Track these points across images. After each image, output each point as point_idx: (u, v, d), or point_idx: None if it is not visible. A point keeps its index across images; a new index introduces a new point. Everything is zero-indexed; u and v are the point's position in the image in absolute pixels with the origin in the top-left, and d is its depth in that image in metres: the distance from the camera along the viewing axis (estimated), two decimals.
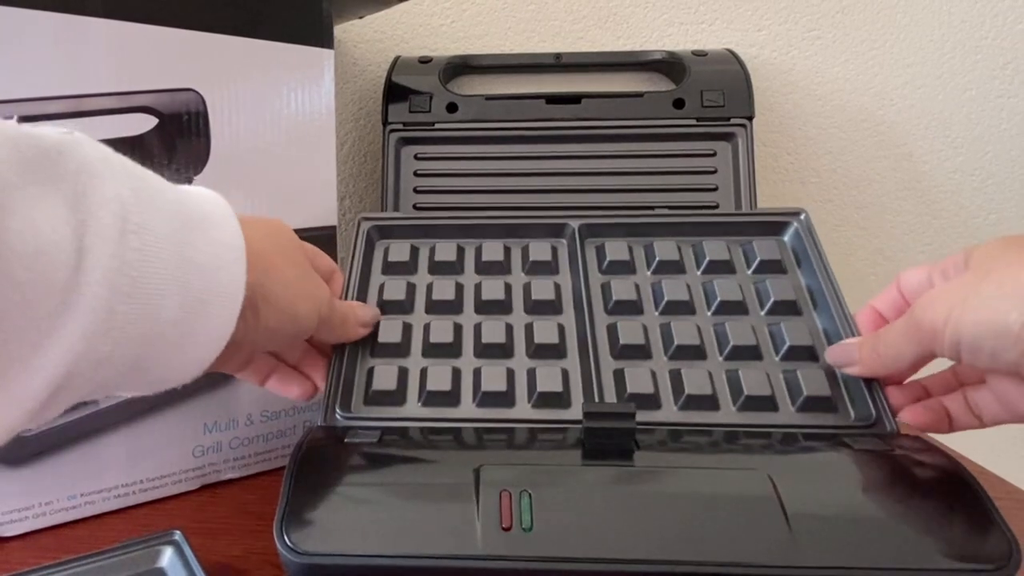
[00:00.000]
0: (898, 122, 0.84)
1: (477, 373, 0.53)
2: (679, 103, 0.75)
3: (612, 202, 0.75)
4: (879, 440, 0.46)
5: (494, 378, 0.52)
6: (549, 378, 0.51)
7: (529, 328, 0.55)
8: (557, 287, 0.58)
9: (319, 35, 0.59)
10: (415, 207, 0.75)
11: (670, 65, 0.79)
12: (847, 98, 0.84)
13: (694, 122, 0.75)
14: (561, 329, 0.55)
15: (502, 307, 0.58)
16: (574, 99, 0.76)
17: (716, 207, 0.74)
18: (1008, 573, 0.38)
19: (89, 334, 0.30)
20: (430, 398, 0.51)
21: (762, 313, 0.56)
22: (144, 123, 0.52)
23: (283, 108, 0.58)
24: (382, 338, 0.54)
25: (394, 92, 0.77)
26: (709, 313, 0.56)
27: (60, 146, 0.30)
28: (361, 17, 0.76)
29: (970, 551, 0.38)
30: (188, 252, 0.35)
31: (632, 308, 0.57)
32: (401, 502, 0.41)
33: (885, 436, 0.47)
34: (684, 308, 0.57)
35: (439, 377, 0.52)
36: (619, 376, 0.52)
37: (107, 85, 0.50)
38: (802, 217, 0.61)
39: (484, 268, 0.61)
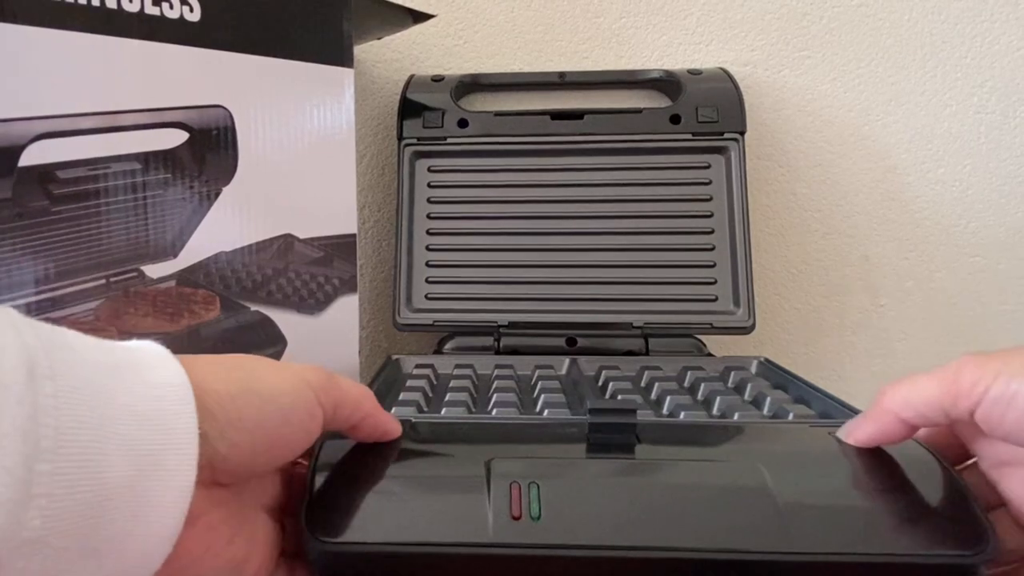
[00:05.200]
0: (883, 136, 0.84)
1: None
2: (675, 119, 0.76)
3: (613, 212, 0.75)
4: None
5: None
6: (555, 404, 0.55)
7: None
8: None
9: (340, 55, 0.59)
10: (428, 217, 0.76)
11: (667, 83, 0.79)
12: (835, 114, 0.84)
13: (689, 137, 0.75)
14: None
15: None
16: (577, 115, 0.76)
17: (711, 216, 0.74)
18: (985, 559, 0.38)
19: (5, 500, 0.23)
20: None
21: (747, 397, 0.58)
22: (175, 138, 0.53)
23: (306, 123, 0.58)
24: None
25: (409, 109, 0.77)
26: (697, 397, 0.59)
27: None
28: (379, 38, 0.76)
29: (950, 539, 0.38)
30: (123, 400, 0.27)
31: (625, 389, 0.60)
32: (417, 493, 0.41)
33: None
34: (673, 389, 0.59)
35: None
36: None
37: (140, 102, 0.51)
38: (762, 359, 0.67)
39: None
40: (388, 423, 0.43)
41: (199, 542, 0.31)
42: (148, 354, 0.30)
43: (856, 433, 0.43)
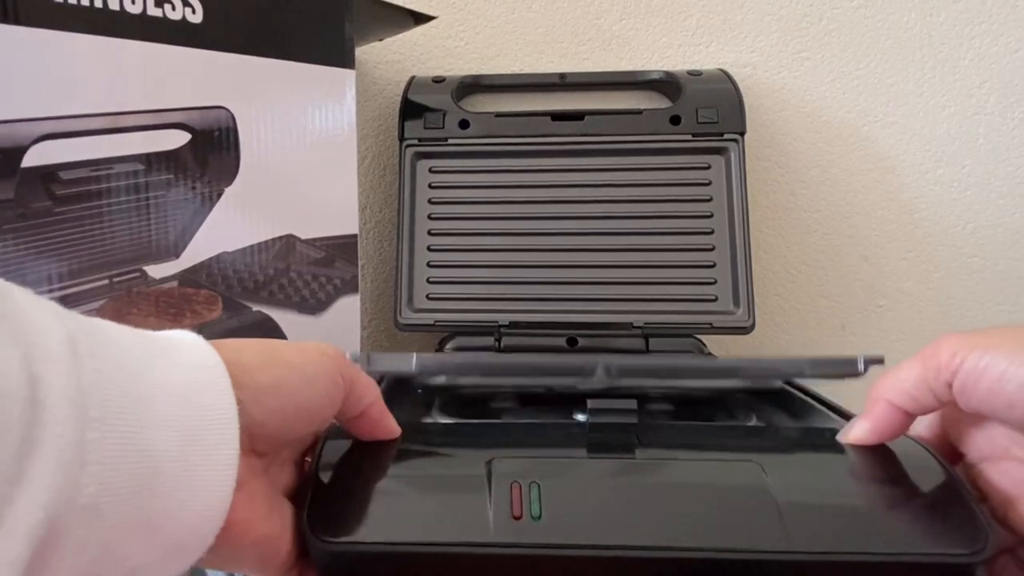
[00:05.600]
0: (882, 137, 0.84)
1: None
2: (675, 120, 0.75)
3: (613, 212, 0.75)
4: None
5: None
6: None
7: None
8: None
9: (342, 57, 0.59)
10: (429, 217, 0.75)
11: (667, 84, 0.79)
12: (834, 115, 0.84)
13: (690, 137, 0.75)
14: None
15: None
16: (578, 116, 0.76)
17: (711, 217, 0.74)
18: (983, 558, 0.38)
19: (62, 465, 0.24)
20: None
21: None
22: (178, 139, 0.53)
23: (308, 124, 0.58)
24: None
25: (410, 110, 0.77)
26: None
27: None
28: (381, 39, 0.76)
29: (949, 538, 0.39)
30: (160, 379, 0.29)
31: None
32: (418, 493, 0.41)
33: None
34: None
35: None
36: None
37: (143, 103, 0.51)
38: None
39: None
40: (390, 420, 0.44)
41: (246, 509, 0.32)
42: (180, 339, 0.32)
43: (853, 431, 0.43)
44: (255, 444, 0.33)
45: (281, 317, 0.61)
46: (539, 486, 0.40)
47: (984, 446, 0.41)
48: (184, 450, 0.28)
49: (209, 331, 0.56)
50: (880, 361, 0.46)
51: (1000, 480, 0.40)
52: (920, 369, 0.39)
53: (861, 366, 0.46)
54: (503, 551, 0.38)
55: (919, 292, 0.86)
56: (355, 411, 0.41)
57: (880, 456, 0.44)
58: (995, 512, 0.40)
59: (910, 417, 0.42)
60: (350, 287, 0.66)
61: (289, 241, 0.60)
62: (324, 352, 0.37)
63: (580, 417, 0.53)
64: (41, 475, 0.23)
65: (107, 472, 0.25)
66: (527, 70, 0.83)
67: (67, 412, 0.24)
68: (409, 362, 0.46)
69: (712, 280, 0.74)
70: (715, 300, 0.74)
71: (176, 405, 0.28)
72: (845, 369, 0.47)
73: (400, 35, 0.76)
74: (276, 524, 0.36)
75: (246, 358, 0.33)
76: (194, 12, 0.51)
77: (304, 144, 0.58)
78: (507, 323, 0.73)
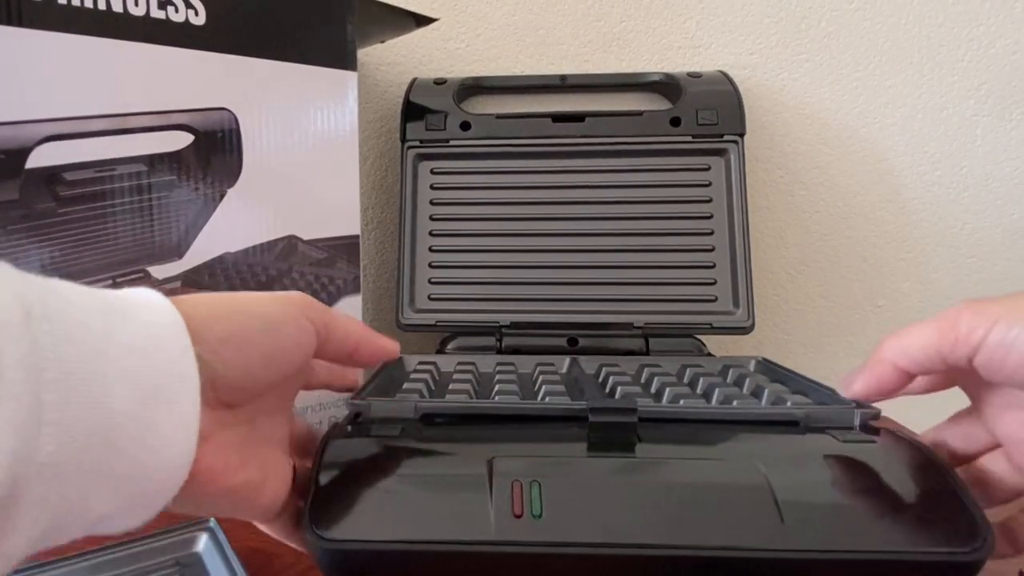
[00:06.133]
0: (880, 139, 0.84)
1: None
2: (676, 121, 0.75)
3: (613, 213, 0.75)
4: (863, 433, 0.46)
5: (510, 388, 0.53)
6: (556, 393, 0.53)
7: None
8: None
9: (344, 59, 0.59)
10: (431, 218, 0.75)
11: (667, 86, 0.79)
12: (833, 116, 0.83)
13: (690, 139, 0.75)
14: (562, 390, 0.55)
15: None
16: (578, 118, 0.76)
17: (711, 217, 0.74)
18: (982, 555, 0.38)
19: (18, 427, 0.24)
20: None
21: (745, 391, 0.56)
22: (181, 140, 0.53)
23: (310, 126, 0.58)
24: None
25: (412, 111, 0.77)
26: (696, 391, 0.57)
27: None
28: (382, 42, 0.76)
29: (948, 536, 0.39)
30: (118, 337, 0.28)
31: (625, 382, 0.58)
32: (420, 492, 0.41)
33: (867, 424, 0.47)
34: (671, 383, 0.58)
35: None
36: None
37: (146, 104, 0.51)
38: (760, 359, 0.65)
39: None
40: (385, 342, 0.43)
41: (214, 460, 0.32)
42: (137, 297, 0.31)
43: (854, 386, 0.43)
44: (222, 395, 0.33)
45: None
46: (540, 484, 0.40)
47: (998, 397, 0.40)
48: (144, 406, 0.28)
49: None
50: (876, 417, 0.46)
51: (1018, 428, 0.39)
52: (935, 338, 0.38)
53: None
54: (504, 549, 0.38)
55: (917, 292, 0.86)
56: (346, 349, 0.41)
57: (880, 454, 0.44)
58: (1012, 458, 0.40)
59: (912, 378, 0.41)
60: (352, 287, 0.66)
61: (291, 242, 0.60)
62: (287, 299, 0.37)
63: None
64: None
65: (65, 431, 0.25)
66: (528, 72, 0.83)
67: (21, 376, 0.24)
68: (409, 409, 0.47)
69: (712, 280, 0.74)
70: (715, 300, 0.73)
71: (135, 362, 0.28)
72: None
73: (402, 37, 0.76)
74: (255, 472, 0.36)
75: (204, 310, 0.33)
76: (197, 14, 0.51)
77: (306, 145, 0.57)
78: (508, 323, 0.73)
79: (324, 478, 0.42)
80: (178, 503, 0.31)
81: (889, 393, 0.42)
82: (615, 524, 0.39)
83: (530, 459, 0.43)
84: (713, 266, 0.74)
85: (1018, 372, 0.35)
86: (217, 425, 0.33)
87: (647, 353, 0.71)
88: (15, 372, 0.24)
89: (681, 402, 0.52)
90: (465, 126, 0.76)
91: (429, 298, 0.75)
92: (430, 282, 0.75)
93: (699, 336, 0.74)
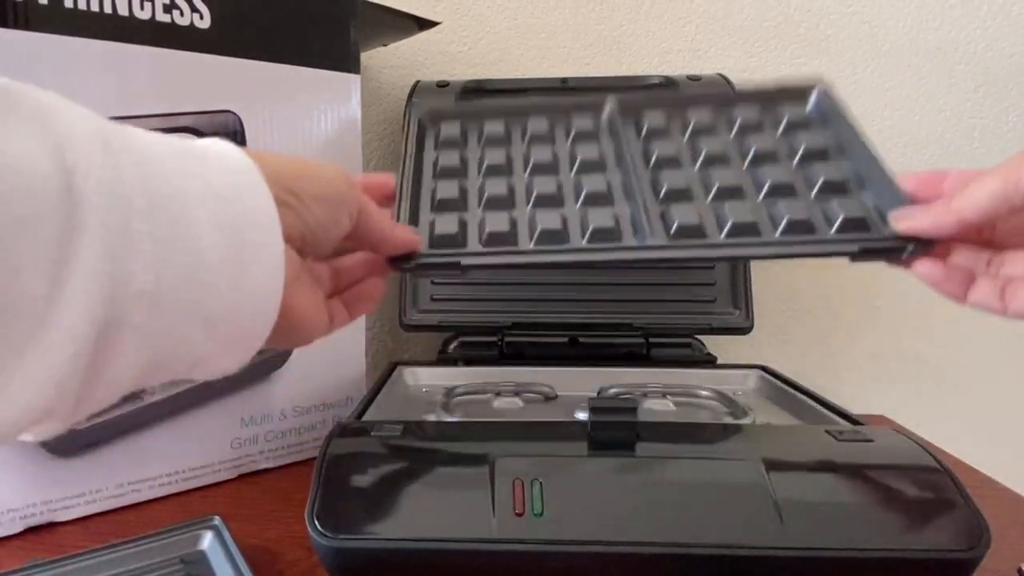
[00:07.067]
0: (878, 141, 0.83)
1: (532, 219, 0.47)
2: None
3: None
4: (862, 433, 0.46)
5: (549, 220, 0.47)
6: (601, 217, 0.47)
7: (578, 183, 0.51)
8: (601, 151, 0.53)
9: (347, 62, 0.59)
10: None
11: (667, 89, 0.79)
12: None
13: None
14: (607, 183, 0.50)
15: (551, 168, 0.53)
16: None
17: None
18: (978, 554, 0.38)
19: (110, 252, 0.24)
20: (490, 239, 0.46)
21: (795, 161, 0.50)
22: None
23: (314, 128, 0.58)
24: (440, 195, 0.50)
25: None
26: (745, 165, 0.51)
27: (7, 86, 0.25)
28: (385, 45, 0.76)
29: (945, 535, 0.39)
30: (199, 182, 0.28)
31: (672, 163, 0.51)
32: (422, 491, 0.41)
33: None
34: (721, 161, 0.51)
35: (497, 221, 0.47)
36: (665, 215, 0.47)
37: (151, 106, 0.51)
38: (820, 84, 0.55)
39: (532, 140, 0.56)
40: (404, 240, 0.44)
41: (304, 298, 0.36)
42: (213, 146, 0.31)
43: (912, 221, 0.42)
44: (305, 245, 0.35)
45: None
46: (541, 483, 0.40)
47: None
48: (231, 249, 0.29)
49: None
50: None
51: None
52: (1000, 184, 0.37)
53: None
54: (506, 547, 0.38)
55: (915, 293, 0.86)
56: (377, 235, 0.42)
57: (878, 453, 0.44)
58: (1005, 295, 0.39)
59: (969, 228, 0.40)
60: None
61: None
62: (344, 176, 0.38)
63: (581, 416, 0.53)
64: (88, 260, 0.23)
65: (160, 262, 0.26)
66: (529, 75, 0.83)
67: (109, 202, 0.24)
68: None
69: (711, 282, 0.74)
70: (714, 301, 0.73)
71: (217, 206, 0.28)
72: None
73: (405, 40, 0.76)
74: (322, 307, 0.39)
75: (292, 168, 0.35)
76: (202, 18, 0.51)
77: (310, 147, 0.57)
78: (509, 324, 0.73)
79: (328, 477, 0.42)
80: (271, 341, 0.33)
81: (946, 235, 0.41)
82: (616, 522, 0.39)
83: (531, 458, 0.43)
84: (712, 267, 0.74)
85: None
86: (302, 268, 0.36)
87: (647, 353, 0.71)
88: (102, 197, 0.24)
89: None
90: None
91: (432, 298, 0.75)
92: (432, 283, 0.75)
93: (698, 336, 0.73)
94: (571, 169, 0.53)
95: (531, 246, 0.46)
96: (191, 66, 0.51)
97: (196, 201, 0.27)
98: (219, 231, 0.28)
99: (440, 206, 0.49)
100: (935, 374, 0.87)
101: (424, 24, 0.69)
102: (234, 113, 0.54)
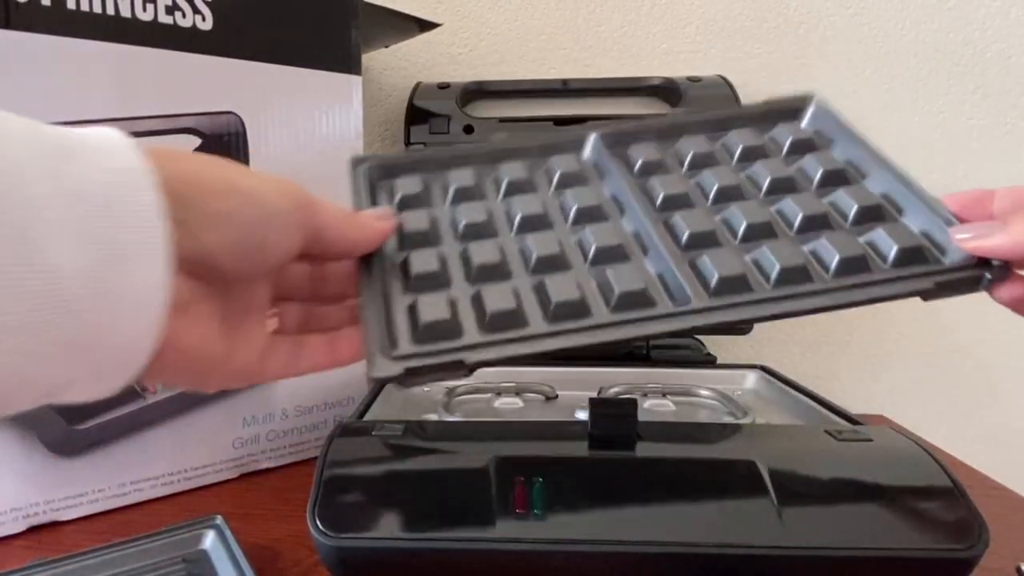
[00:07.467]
0: (877, 142, 0.84)
1: (540, 289, 0.39)
2: None
3: None
4: (861, 432, 0.46)
5: (562, 288, 0.38)
6: (624, 278, 0.38)
7: (582, 238, 0.42)
8: (597, 195, 0.45)
9: (348, 63, 0.59)
10: None
11: (667, 90, 0.79)
12: None
13: None
14: (617, 233, 0.42)
15: (543, 222, 0.43)
16: (580, 121, 0.76)
17: None
18: (977, 553, 0.38)
19: None
20: (493, 322, 0.37)
21: (813, 187, 0.44)
22: (188, 143, 0.52)
23: (315, 129, 0.58)
24: (416, 270, 0.39)
25: (415, 115, 0.77)
26: (762, 196, 0.44)
27: None
28: (387, 46, 0.76)
29: (944, 534, 0.39)
30: (69, 184, 0.24)
31: (682, 202, 0.44)
32: (423, 490, 0.41)
33: None
34: (736, 194, 0.44)
35: (497, 296, 0.38)
36: (696, 267, 0.39)
37: (154, 108, 0.50)
38: (816, 99, 0.49)
39: (510, 190, 0.46)
40: (377, 222, 0.39)
41: (191, 332, 0.29)
42: (103, 139, 0.26)
43: (991, 240, 0.36)
44: (202, 272, 0.29)
45: None
46: (542, 483, 0.40)
47: None
48: (97, 264, 0.24)
49: None
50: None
51: None
52: None
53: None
54: (506, 547, 0.38)
55: None
56: (334, 252, 0.37)
57: (877, 453, 0.44)
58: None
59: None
60: None
61: None
62: (284, 189, 0.33)
63: (581, 415, 0.53)
64: None
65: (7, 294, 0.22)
66: (530, 76, 0.83)
67: None
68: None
69: None
70: None
71: (89, 214, 0.24)
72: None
73: (406, 42, 0.76)
74: (230, 344, 0.32)
75: (195, 176, 0.29)
76: (204, 19, 0.51)
77: (312, 148, 0.57)
78: None
79: (329, 477, 0.42)
80: (149, 376, 0.28)
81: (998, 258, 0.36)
82: (616, 522, 0.39)
83: (531, 458, 0.43)
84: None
85: None
86: (197, 295, 0.30)
87: (647, 354, 0.71)
88: None
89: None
90: (468, 130, 0.76)
91: None
92: None
93: (698, 336, 0.73)
94: (566, 221, 0.44)
95: (547, 327, 0.37)
96: (193, 67, 0.51)
97: (58, 208, 0.23)
98: (83, 244, 0.23)
99: (419, 284, 0.39)
100: (935, 374, 0.87)
101: (425, 26, 0.69)
102: (236, 114, 0.54)
